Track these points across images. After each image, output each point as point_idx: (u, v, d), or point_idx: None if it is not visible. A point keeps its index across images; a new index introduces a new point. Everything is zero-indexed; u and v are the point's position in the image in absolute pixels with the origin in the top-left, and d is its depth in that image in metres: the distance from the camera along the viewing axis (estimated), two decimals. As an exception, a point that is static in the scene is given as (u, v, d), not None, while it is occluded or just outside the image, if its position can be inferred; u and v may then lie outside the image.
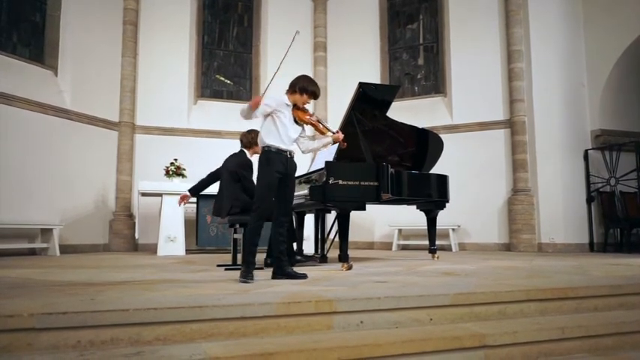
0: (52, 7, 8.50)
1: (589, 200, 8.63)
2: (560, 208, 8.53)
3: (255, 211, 3.67)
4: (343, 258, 4.61)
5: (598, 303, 3.05)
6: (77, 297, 2.62)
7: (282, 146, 3.76)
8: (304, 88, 3.86)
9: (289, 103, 3.86)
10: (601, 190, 8.65)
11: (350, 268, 4.54)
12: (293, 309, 2.45)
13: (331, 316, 2.51)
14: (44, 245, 7.48)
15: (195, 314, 2.27)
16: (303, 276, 3.69)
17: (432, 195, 5.73)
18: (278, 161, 3.73)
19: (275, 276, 3.74)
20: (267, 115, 3.78)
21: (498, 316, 2.81)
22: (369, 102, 5.52)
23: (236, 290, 2.93)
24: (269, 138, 3.75)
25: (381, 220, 9.67)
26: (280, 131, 3.76)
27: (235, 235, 5.09)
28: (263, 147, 3.79)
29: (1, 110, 7.23)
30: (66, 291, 2.89)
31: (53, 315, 2.09)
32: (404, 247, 9.63)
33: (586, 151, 8.72)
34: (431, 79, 10.54)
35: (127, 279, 3.67)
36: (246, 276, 3.49)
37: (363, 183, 4.69)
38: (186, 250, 7.58)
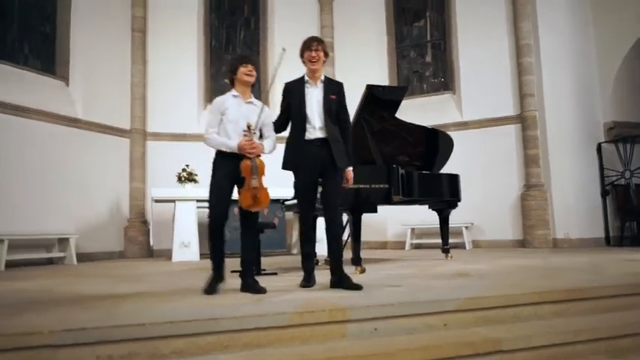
0: (61, 18, 8.60)
1: (603, 194, 8.53)
2: (574, 202, 8.45)
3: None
4: (356, 261, 4.64)
5: (613, 303, 3.03)
6: (95, 311, 2.67)
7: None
8: (232, 65, 3.55)
9: (235, 94, 3.48)
10: (615, 183, 8.55)
11: (363, 271, 4.55)
12: (307, 318, 2.47)
13: (345, 325, 2.52)
14: (61, 254, 7.58)
15: (211, 326, 2.30)
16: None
17: (443, 195, 5.74)
18: (228, 166, 3.37)
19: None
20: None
21: (512, 319, 2.80)
22: (377, 103, 5.54)
23: (250, 299, 2.96)
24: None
25: (394, 220, 9.65)
26: (228, 129, 3.39)
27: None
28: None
29: (15, 122, 7.35)
30: (83, 304, 2.95)
31: (72, 332, 2.13)
32: (417, 246, 9.61)
33: (599, 144, 8.63)
34: (439, 76, 10.49)
35: (143, 289, 3.71)
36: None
37: (374, 185, 4.71)
38: (200, 255, 7.64)
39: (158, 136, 9.67)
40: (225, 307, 2.70)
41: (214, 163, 3.45)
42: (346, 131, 3.68)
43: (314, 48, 3.60)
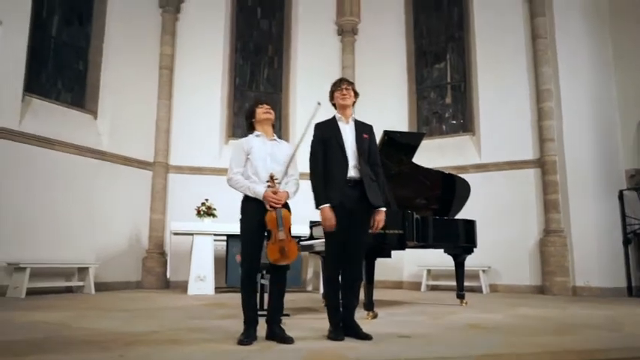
0: (94, 54, 8.99)
1: (625, 242, 8.36)
2: (595, 250, 8.28)
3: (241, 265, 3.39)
4: (368, 306, 4.62)
5: (628, 366, 2.97)
6: (108, 352, 2.73)
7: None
8: (248, 111, 3.62)
9: (258, 133, 3.50)
10: (638, 231, 8.37)
11: (375, 316, 4.54)
12: (314, 370, 2.49)
13: (352, 378, 2.53)
14: (80, 283, 7.70)
15: (219, 375, 2.34)
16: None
17: (458, 240, 5.72)
18: (257, 213, 3.30)
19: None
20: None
21: (523, 378, 2.77)
22: (394, 146, 5.63)
23: (259, 347, 2.99)
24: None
25: (410, 260, 9.56)
26: (257, 167, 3.35)
27: (262, 281, 5.14)
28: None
29: (43, 154, 7.60)
30: (98, 343, 3.01)
31: (85, 376, 2.19)
32: (433, 288, 9.48)
33: (621, 192, 8.50)
34: (459, 117, 10.56)
35: (157, 328, 3.77)
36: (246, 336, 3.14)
37: (388, 231, 4.71)
38: (215, 289, 7.69)
39: (180, 169, 9.88)
40: (234, 354, 2.74)
41: (242, 207, 3.41)
42: (380, 176, 3.58)
43: (344, 86, 3.65)
